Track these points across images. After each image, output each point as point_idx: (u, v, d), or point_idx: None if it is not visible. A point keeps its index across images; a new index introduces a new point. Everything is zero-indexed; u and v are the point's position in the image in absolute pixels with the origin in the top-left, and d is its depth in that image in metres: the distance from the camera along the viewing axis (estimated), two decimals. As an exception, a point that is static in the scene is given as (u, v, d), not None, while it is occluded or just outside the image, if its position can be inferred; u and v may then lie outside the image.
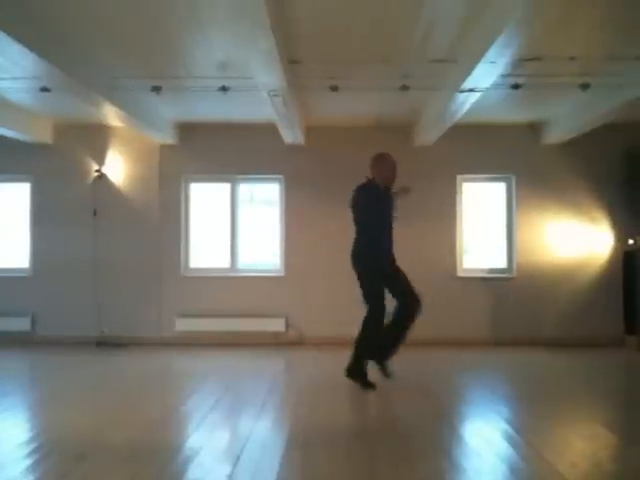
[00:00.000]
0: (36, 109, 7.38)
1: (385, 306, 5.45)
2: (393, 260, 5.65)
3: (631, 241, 7.74)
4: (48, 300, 8.00)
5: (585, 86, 5.90)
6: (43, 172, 8.10)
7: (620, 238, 7.89)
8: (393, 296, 5.55)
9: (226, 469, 3.27)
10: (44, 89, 5.99)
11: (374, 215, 5.53)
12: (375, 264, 5.48)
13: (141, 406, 4.80)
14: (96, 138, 8.07)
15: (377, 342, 5.54)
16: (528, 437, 3.91)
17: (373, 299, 5.45)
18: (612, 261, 7.93)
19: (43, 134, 7.94)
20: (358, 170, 8.02)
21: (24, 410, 4.92)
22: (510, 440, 3.85)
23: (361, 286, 5.51)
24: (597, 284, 7.92)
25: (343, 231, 8.02)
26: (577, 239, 7.97)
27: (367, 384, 5.37)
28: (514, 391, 5.60)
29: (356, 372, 5.45)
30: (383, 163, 5.62)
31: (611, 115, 6.61)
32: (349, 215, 8.11)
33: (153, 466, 3.32)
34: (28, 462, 3.38)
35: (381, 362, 5.58)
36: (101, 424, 4.22)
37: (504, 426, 4.18)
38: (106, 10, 4.60)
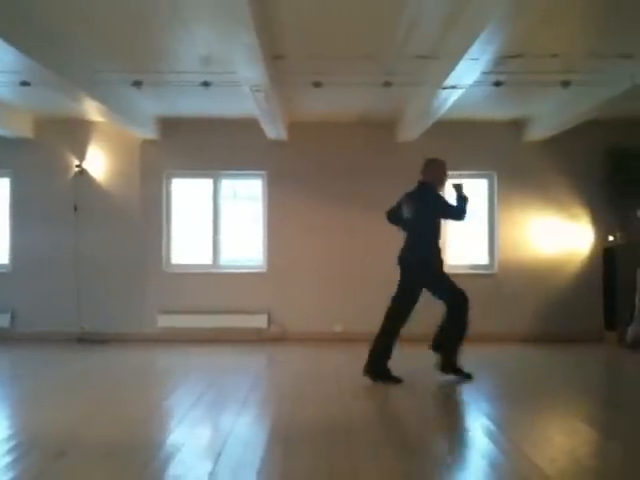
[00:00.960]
0: (16, 103, 7.29)
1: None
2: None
3: (611, 238, 7.81)
4: (28, 296, 7.93)
5: (566, 84, 5.93)
6: (23, 167, 8.01)
7: (600, 235, 7.96)
8: (440, 298, 5.65)
9: (207, 466, 3.25)
10: (24, 83, 5.91)
11: (436, 217, 5.81)
12: (432, 266, 5.66)
13: (122, 403, 4.77)
14: (77, 133, 8.00)
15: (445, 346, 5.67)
16: (508, 432, 3.93)
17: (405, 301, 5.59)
18: (592, 257, 8.00)
19: (23, 129, 7.85)
20: (341, 166, 8.03)
21: (3, 407, 4.86)
22: (490, 435, 3.87)
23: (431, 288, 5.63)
24: (577, 280, 7.99)
25: (326, 227, 8.06)
26: (558, 236, 8.03)
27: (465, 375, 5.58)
28: (495, 387, 5.64)
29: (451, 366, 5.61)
30: (438, 167, 6.00)
31: (592, 113, 6.67)
32: (332, 211, 8.13)
33: (134, 463, 3.30)
34: (7, 459, 3.33)
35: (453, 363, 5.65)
36: (82, 421, 4.19)
37: (485, 421, 4.20)
38: (89, 5, 4.56)
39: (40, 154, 8.00)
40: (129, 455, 3.45)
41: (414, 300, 5.55)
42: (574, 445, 3.77)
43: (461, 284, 8.03)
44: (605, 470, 3.34)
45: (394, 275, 8.10)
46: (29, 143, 7.98)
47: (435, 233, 5.70)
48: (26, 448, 3.54)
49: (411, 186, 7.87)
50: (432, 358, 6.56)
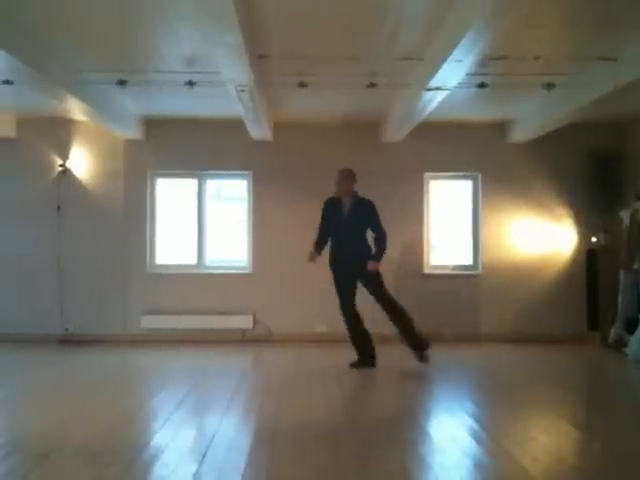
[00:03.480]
0: (-2, 103, 7.22)
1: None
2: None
3: (594, 239, 7.87)
4: (11, 297, 7.85)
5: (549, 85, 5.97)
6: (5, 167, 7.93)
7: (583, 236, 8.02)
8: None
9: (192, 467, 3.24)
10: (6, 82, 5.85)
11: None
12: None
13: (105, 404, 4.74)
14: (60, 132, 7.93)
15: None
16: (492, 432, 3.95)
17: None
18: (575, 258, 8.06)
19: (5, 128, 7.77)
20: (326, 166, 8.02)
21: (-15, 409, 4.82)
22: (474, 435, 3.89)
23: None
24: (561, 281, 8.04)
25: (311, 228, 8.04)
26: (541, 237, 8.08)
27: None
28: (479, 387, 5.67)
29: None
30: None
31: (575, 115, 6.71)
32: (318, 212, 8.11)
33: (117, 465, 3.28)
34: (-11, 462, 3.31)
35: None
36: (64, 423, 4.16)
37: (469, 421, 4.22)
38: (73, 4, 4.53)
39: (23, 154, 7.92)
40: (113, 457, 3.43)
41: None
42: (557, 444, 3.79)
43: (446, 284, 8.12)
44: (587, 469, 3.37)
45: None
46: (12, 143, 7.90)
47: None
48: (8, 450, 3.51)
49: (394, 187, 7.95)
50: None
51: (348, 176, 6.17)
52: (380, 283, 6.07)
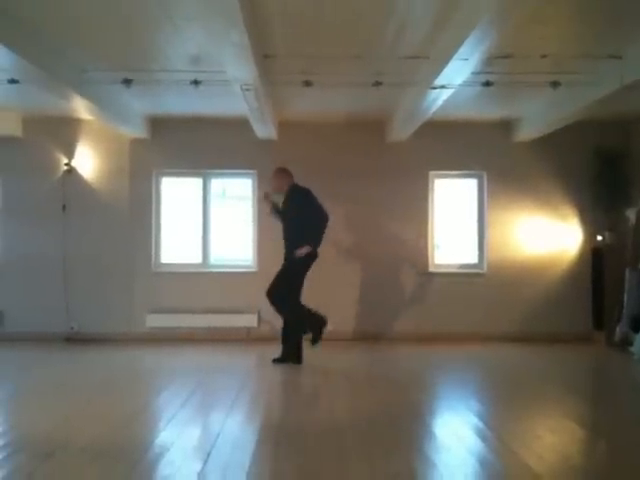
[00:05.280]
0: (4, 102, 7.23)
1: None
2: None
3: (599, 237, 7.85)
4: (17, 296, 7.87)
5: (555, 84, 5.95)
6: (11, 166, 7.94)
7: (589, 234, 7.99)
8: None
9: (197, 466, 3.25)
10: (12, 81, 5.87)
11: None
12: None
13: (111, 403, 4.75)
14: (65, 132, 7.94)
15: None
16: (497, 431, 3.94)
17: None
18: (581, 257, 8.03)
19: (11, 127, 7.78)
20: (330, 166, 8.03)
21: (-9, 407, 4.84)
22: (480, 434, 3.89)
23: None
24: (566, 280, 8.02)
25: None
26: (547, 235, 8.06)
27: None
28: (484, 386, 5.66)
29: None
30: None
31: (581, 113, 6.69)
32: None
33: (122, 464, 3.29)
34: (-5, 460, 3.32)
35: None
36: (70, 421, 4.17)
37: (474, 420, 4.22)
38: (78, 3, 4.53)
39: (29, 153, 7.94)
40: (118, 455, 3.44)
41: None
42: (562, 443, 3.79)
43: (450, 283, 8.11)
44: (592, 468, 3.37)
45: (382, 274, 8.15)
46: (17, 142, 7.91)
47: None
48: (14, 449, 3.53)
49: (399, 186, 7.95)
50: (423, 357, 6.59)
51: (279, 173, 6.52)
52: (287, 275, 6.18)
